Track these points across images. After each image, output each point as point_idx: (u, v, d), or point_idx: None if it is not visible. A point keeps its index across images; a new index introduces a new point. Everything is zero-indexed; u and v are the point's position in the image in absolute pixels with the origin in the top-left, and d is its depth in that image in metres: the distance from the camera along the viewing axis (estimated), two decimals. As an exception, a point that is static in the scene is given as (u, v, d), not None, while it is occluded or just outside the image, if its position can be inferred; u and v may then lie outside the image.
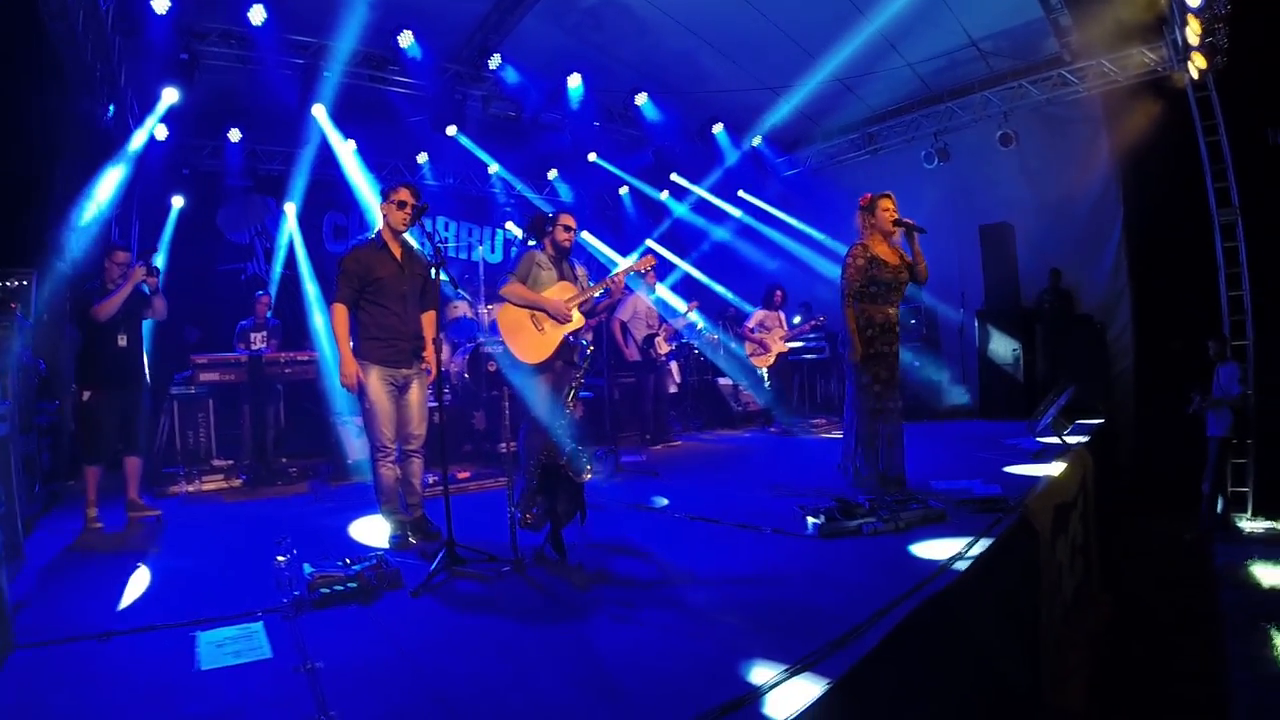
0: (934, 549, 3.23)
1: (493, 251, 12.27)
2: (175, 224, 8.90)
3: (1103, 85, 8.45)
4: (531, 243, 4.87)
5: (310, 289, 9.40)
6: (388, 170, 10.44)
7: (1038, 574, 3.53)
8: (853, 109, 10.19)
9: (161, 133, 7.74)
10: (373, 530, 4.26)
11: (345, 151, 9.32)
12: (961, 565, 2.93)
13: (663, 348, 8.17)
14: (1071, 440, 5.82)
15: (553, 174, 12.18)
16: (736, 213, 11.87)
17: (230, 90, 8.21)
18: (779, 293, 8.80)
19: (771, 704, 1.92)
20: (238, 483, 6.26)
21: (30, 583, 3.45)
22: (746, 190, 11.83)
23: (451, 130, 8.88)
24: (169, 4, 6.35)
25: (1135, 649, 4.42)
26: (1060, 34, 8.22)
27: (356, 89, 8.32)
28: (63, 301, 6.09)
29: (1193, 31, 6.71)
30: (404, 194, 3.96)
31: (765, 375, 8.83)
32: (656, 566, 3.40)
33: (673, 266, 12.05)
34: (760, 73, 9.15)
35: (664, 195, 12.18)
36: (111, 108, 7.06)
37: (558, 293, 4.57)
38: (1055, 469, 4.75)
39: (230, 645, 2.54)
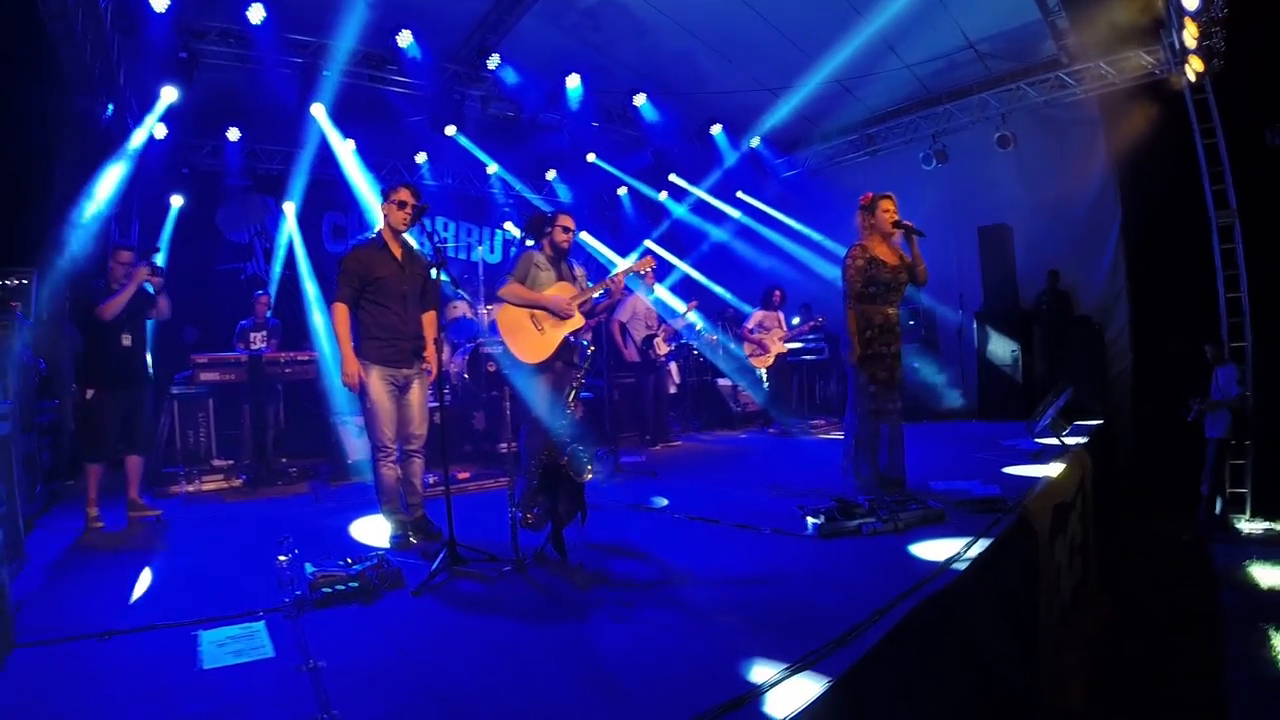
0: (933, 549, 3.24)
1: (492, 252, 12.27)
2: (174, 223, 8.89)
3: (1100, 87, 8.47)
4: (530, 243, 4.87)
5: (310, 288, 9.40)
6: (387, 170, 10.44)
7: (1036, 574, 3.55)
8: (851, 110, 10.21)
9: (160, 132, 7.72)
10: (373, 530, 4.26)
11: (345, 151, 9.32)
12: (960, 565, 2.94)
13: (662, 348, 8.18)
14: (1070, 441, 5.83)
15: (551, 174, 12.18)
16: (735, 214, 11.88)
17: (229, 89, 8.20)
18: (778, 293, 8.82)
19: (772, 702, 1.93)
20: (238, 483, 6.27)
21: (31, 581, 3.45)
22: (745, 191, 11.84)
23: (450, 130, 8.88)
24: (168, 2, 6.33)
25: (1134, 649, 4.43)
26: (1058, 36, 8.24)
27: (355, 88, 8.32)
28: (63, 301, 6.09)
29: (1190, 34, 6.73)
30: (404, 194, 3.97)
31: (764, 376, 8.84)
32: (657, 566, 3.41)
33: (672, 267, 12.06)
34: (759, 74, 9.16)
35: (663, 196, 12.19)
36: (110, 107, 7.05)
37: (557, 293, 4.58)
38: (1054, 470, 4.77)
39: (232, 644, 2.55)
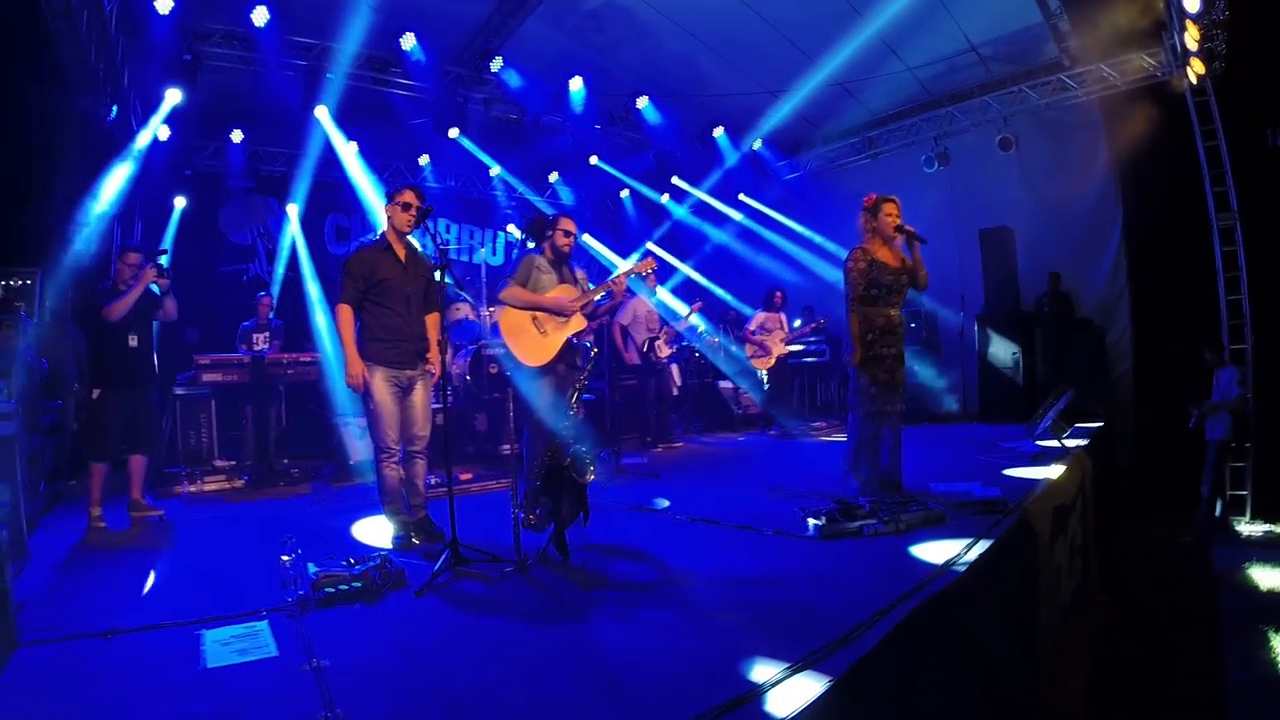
0: (934, 550, 3.25)
1: (494, 254, 12.28)
2: (177, 224, 8.92)
3: (1102, 90, 8.49)
4: (531, 244, 4.87)
5: (312, 290, 9.42)
6: (389, 172, 10.47)
7: (1036, 576, 3.55)
8: (853, 113, 10.22)
9: (164, 133, 7.76)
10: (376, 531, 4.27)
11: (348, 153, 9.33)
12: (961, 567, 2.95)
13: (663, 351, 8.19)
14: (1070, 443, 5.84)
15: (554, 177, 12.21)
16: (737, 216, 11.90)
17: (233, 91, 8.22)
18: (779, 294, 8.83)
19: (773, 702, 1.94)
20: (240, 483, 6.28)
21: (34, 581, 3.46)
22: (747, 193, 11.85)
23: (453, 132, 8.90)
24: (172, 4, 6.36)
25: (1134, 650, 4.43)
26: (1059, 39, 8.25)
27: (359, 91, 8.34)
28: (66, 301, 6.11)
29: (1191, 37, 6.74)
30: (408, 196, 3.99)
31: (764, 377, 8.85)
32: (658, 567, 3.42)
33: (673, 269, 12.08)
34: (761, 76, 9.18)
35: (664, 198, 12.22)
36: (115, 108, 7.08)
37: (559, 295, 4.58)
38: (1054, 472, 4.77)
39: (236, 643, 2.56)
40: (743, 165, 11.12)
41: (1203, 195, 7.42)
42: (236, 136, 9.08)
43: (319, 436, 7.20)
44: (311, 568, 3.05)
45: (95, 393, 4.79)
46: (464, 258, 11.72)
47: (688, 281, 11.96)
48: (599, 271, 11.39)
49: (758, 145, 10.91)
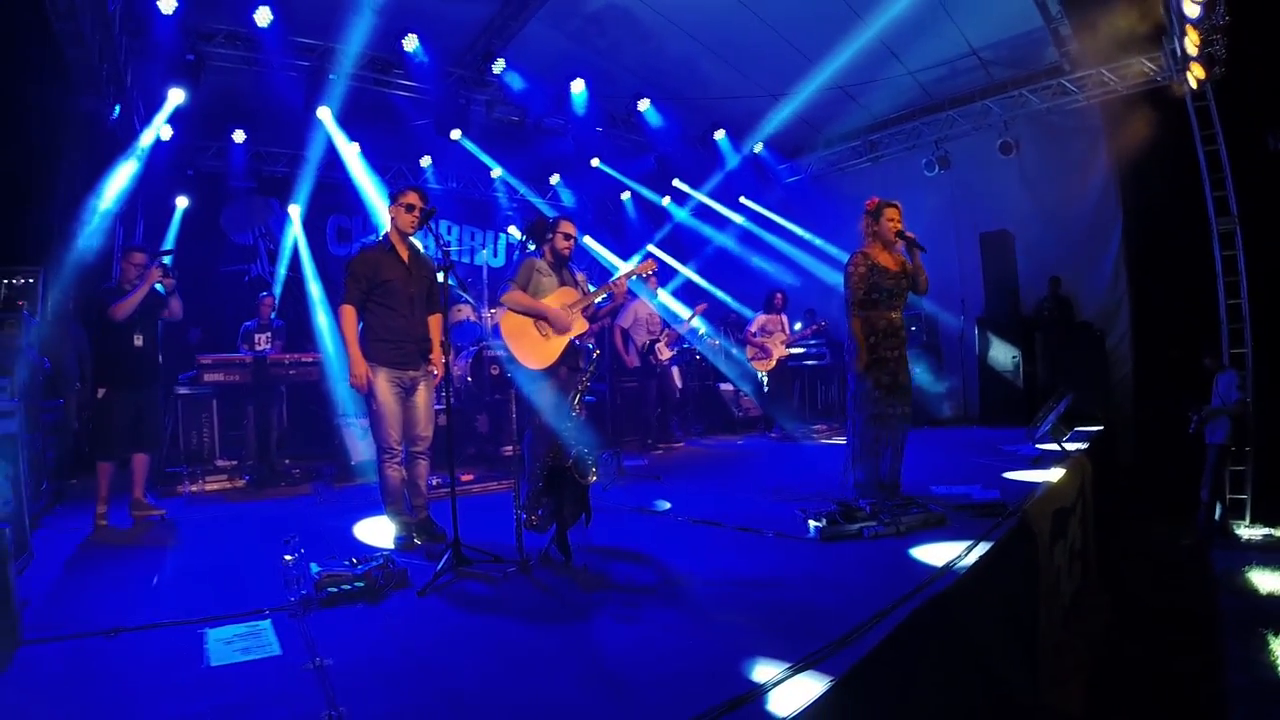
0: (934, 552, 3.26)
1: (495, 256, 12.30)
2: (179, 224, 8.93)
3: (1102, 94, 8.51)
4: (531, 247, 4.87)
5: (314, 290, 9.43)
6: (391, 174, 10.48)
7: (1036, 578, 3.56)
8: (854, 116, 10.25)
9: (166, 133, 7.78)
10: (377, 531, 4.28)
11: (350, 154, 9.36)
12: (961, 569, 2.96)
13: (664, 353, 8.20)
14: (1070, 447, 5.85)
15: (555, 179, 12.23)
16: (738, 219, 11.92)
17: (235, 91, 8.24)
18: (779, 295, 8.84)
19: (774, 701, 1.95)
20: (241, 483, 6.27)
21: (37, 579, 3.46)
22: (748, 196, 11.87)
23: (455, 134, 8.93)
24: (175, 5, 6.38)
25: (1133, 652, 4.44)
26: (1060, 43, 8.27)
27: (361, 92, 8.36)
28: (68, 300, 6.12)
29: (1191, 42, 6.76)
30: (412, 197, 4.00)
31: (764, 379, 8.86)
32: (660, 568, 3.43)
33: (674, 272, 12.09)
34: (762, 79, 9.21)
35: (665, 201, 12.23)
36: (118, 108, 7.09)
37: (559, 298, 4.54)
38: (1054, 475, 4.78)
39: (239, 642, 2.56)
40: (743, 168, 11.14)
41: (1202, 199, 7.44)
42: (239, 137, 9.10)
43: (320, 437, 7.21)
44: (314, 567, 3.06)
45: (100, 392, 4.80)
46: (465, 259, 11.74)
47: (688, 284, 11.98)
48: (600, 274, 11.40)
49: (759, 148, 10.94)
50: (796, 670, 2.09)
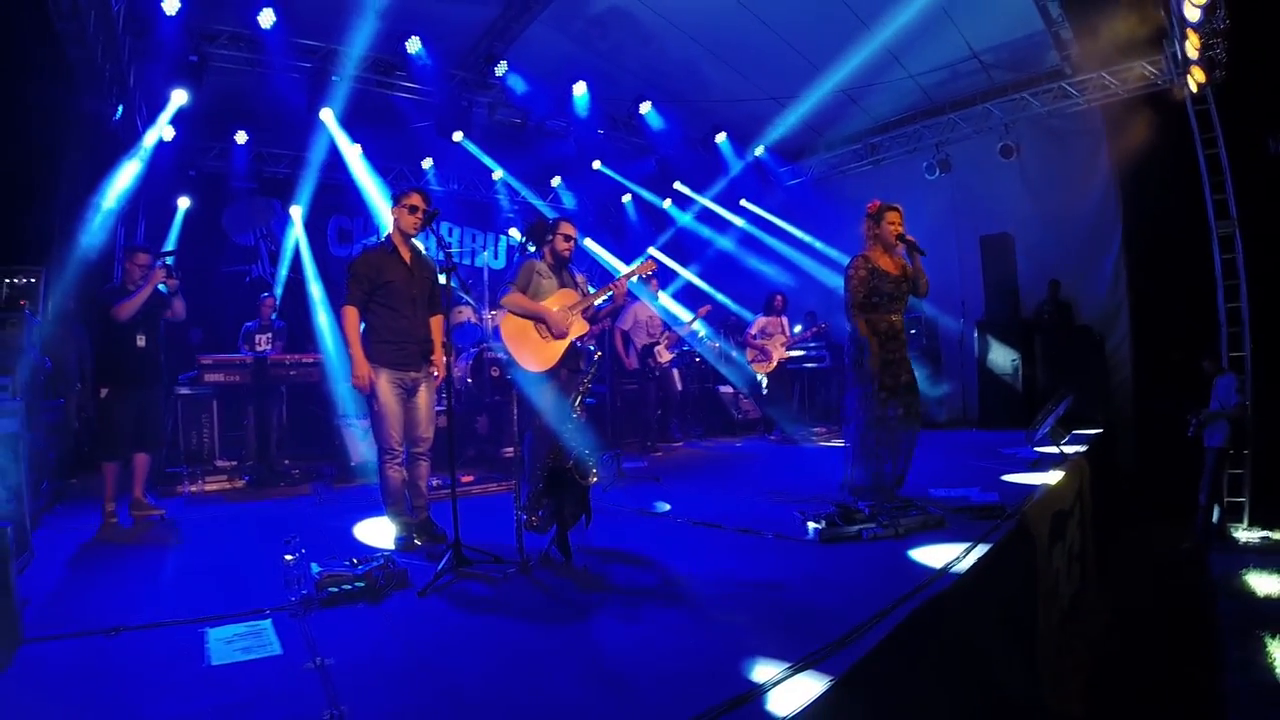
0: (933, 554, 3.27)
1: (496, 258, 12.29)
2: (180, 225, 8.94)
3: (1103, 98, 8.53)
4: (531, 248, 4.86)
5: (315, 291, 9.44)
6: (393, 175, 10.49)
7: (1035, 580, 3.57)
8: (855, 119, 10.27)
9: (168, 133, 7.78)
10: (378, 531, 4.29)
11: (352, 155, 9.36)
12: (959, 570, 2.97)
13: (664, 356, 8.20)
14: (1069, 450, 5.85)
15: (557, 181, 12.23)
16: (739, 221, 11.94)
17: (238, 92, 8.25)
18: (779, 298, 8.85)
19: (774, 701, 1.95)
20: (241, 483, 6.28)
21: (38, 578, 3.47)
22: (749, 199, 11.89)
23: (457, 136, 8.95)
24: (179, 5, 6.39)
25: (1132, 655, 4.45)
26: (1061, 47, 8.29)
27: (364, 93, 8.37)
28: (69, 300, 6.13)
29: (1192, 45, 6.78)
30: (415, 199, 4.01)
31: (764, 381, 8.86)
32: (660, 569, 3.43)
33: (675, 274, 12.10)
34: (764, 83, 9.23)
35: (667, 204, 12.25)
36: (120, 108, 7.10)
37: (560, 300, 4.54)
38: (1052, 478, 4.79)
39: (240, 641, 2.57)
40: (745, 171, 11.17)
41: (1202, 203, 7.47)
42: (241, 138, 9.10)
43: (320, 437, 7.22)
44: (315, 567, 3.06)
45: (103, 392, 4.82)
46: (466, 261, 11.74)
47: (689, 287, 11.99)
48: (601, 276, 11.41)
49: (760, 151, 10.96)
50: (796, 670, 2.10)
